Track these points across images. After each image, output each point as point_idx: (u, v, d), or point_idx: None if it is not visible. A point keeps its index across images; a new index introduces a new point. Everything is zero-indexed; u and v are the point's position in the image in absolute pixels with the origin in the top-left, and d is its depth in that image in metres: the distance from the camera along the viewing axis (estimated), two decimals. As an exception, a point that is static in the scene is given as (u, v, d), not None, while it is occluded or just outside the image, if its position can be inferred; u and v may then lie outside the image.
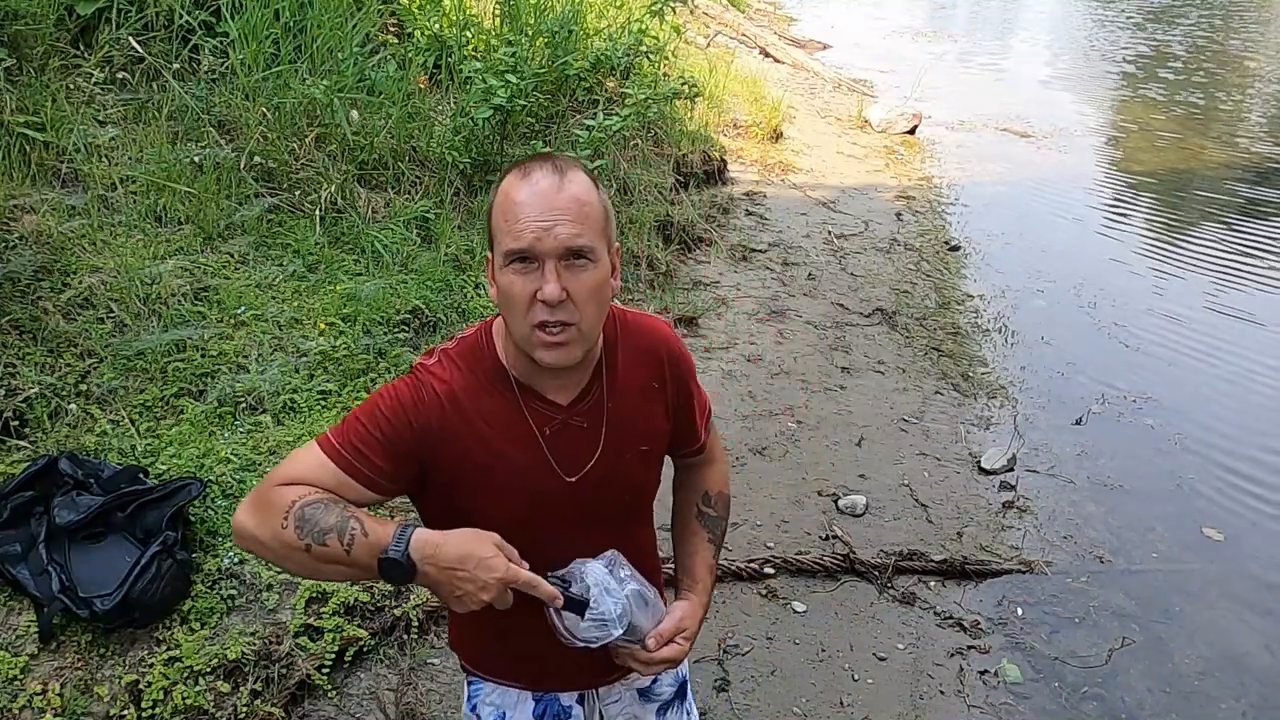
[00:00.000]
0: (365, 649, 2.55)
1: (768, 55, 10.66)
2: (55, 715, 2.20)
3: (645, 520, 1.49)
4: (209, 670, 2.34)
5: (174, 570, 2.43)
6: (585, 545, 1.33)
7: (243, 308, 3.47)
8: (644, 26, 5.93)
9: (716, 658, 2.80)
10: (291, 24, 4.47)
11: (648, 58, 6.01)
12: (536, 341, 1.22)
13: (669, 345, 1.42)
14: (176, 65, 4.19)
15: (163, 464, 2.82)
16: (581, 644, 1.25)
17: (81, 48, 4.08)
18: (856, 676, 2.81)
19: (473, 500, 1.29)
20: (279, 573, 2.61)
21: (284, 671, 2.41)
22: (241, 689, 2.34)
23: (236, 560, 2.62)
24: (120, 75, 4.08)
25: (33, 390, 2.88)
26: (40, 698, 2.21)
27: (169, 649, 2.37)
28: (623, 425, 1.35)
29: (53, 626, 2.34)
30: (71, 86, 3.91)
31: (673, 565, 1.52)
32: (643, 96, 5.31)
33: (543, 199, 1.19)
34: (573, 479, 1.32)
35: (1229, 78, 12.19)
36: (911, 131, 8.69)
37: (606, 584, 1.24)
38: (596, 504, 1.35)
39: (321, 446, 1.26)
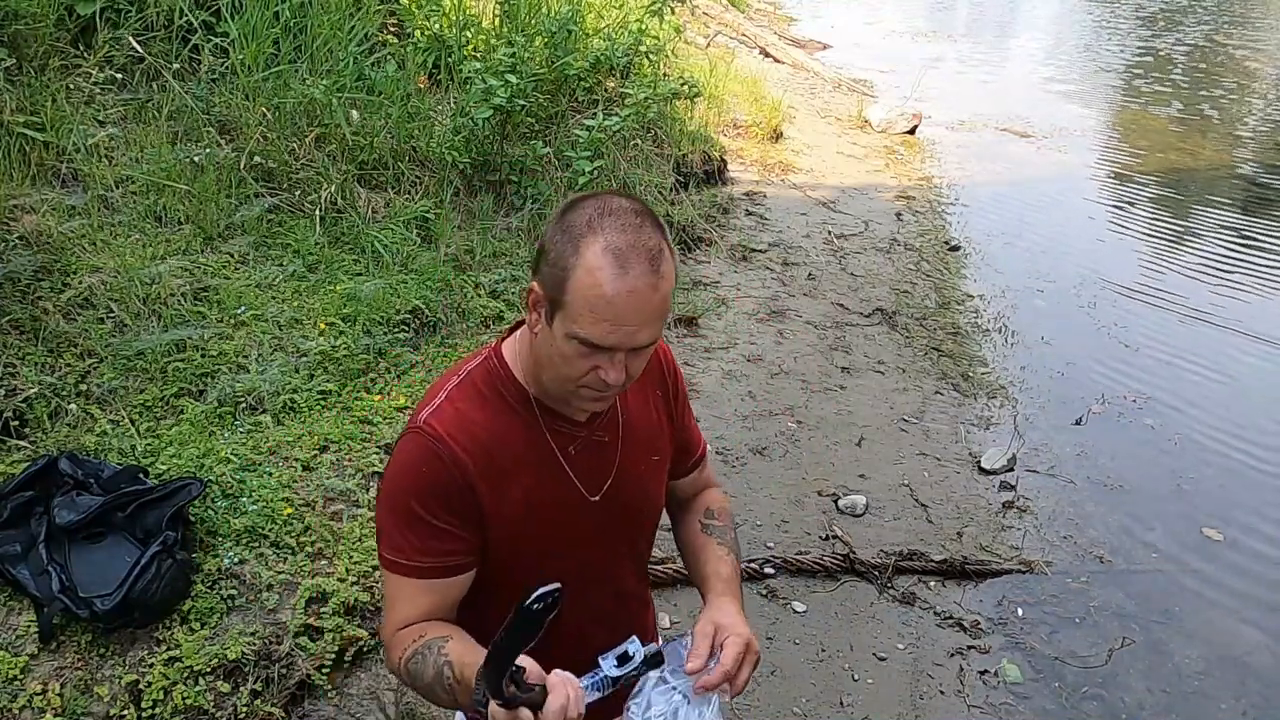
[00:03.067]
0: (365, 649, 2.55)
1: (768, 55, 10.66)
2: (55, 715, 2.19)
3: (651, 542, 1.48)
4: (209, 670, 2.33)
5: (174, 570, 2.43)
6: (604, 567, 1.32)
7: (243, 308, 3.47)
8: (643, 26, 5.93)
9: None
10: (291, 24, 4.47)
11: (647, 58, 6.01)
12: (579, 396, 1.20)
13: (666, 354, 1.43)
14: (176, 65, 4.19)
15: (163, 464, 2.82)
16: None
17: (81, 48, 4.07)
18: (856, 676, 2.81)
19: (507, 531, 1.25)
20: (279, 573, 2.61)
21: (284, 671, 2.41)
22: (241, 689, 2.33)
23: (236, 560, 2.62)
24: (120, 75, 4.08)
25: (33, 390, 2.88)
26: (40, 698, 2.21)
27: (169, 649, 2.37)
28: (636, 436, 1.35)
29: (53, 626, 2.33)
30: (71, 86, 3.90)
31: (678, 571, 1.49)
32: (642, 96, 5.31)
33: (638, 303, 1.11)
34: (595, 497, 1.30)
35: (1229, 79, 12.19)
36: (911, 131, 8.69)
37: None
38: (616, 522, 1.33)
39: (397, 570, 1.22)
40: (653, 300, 1.12)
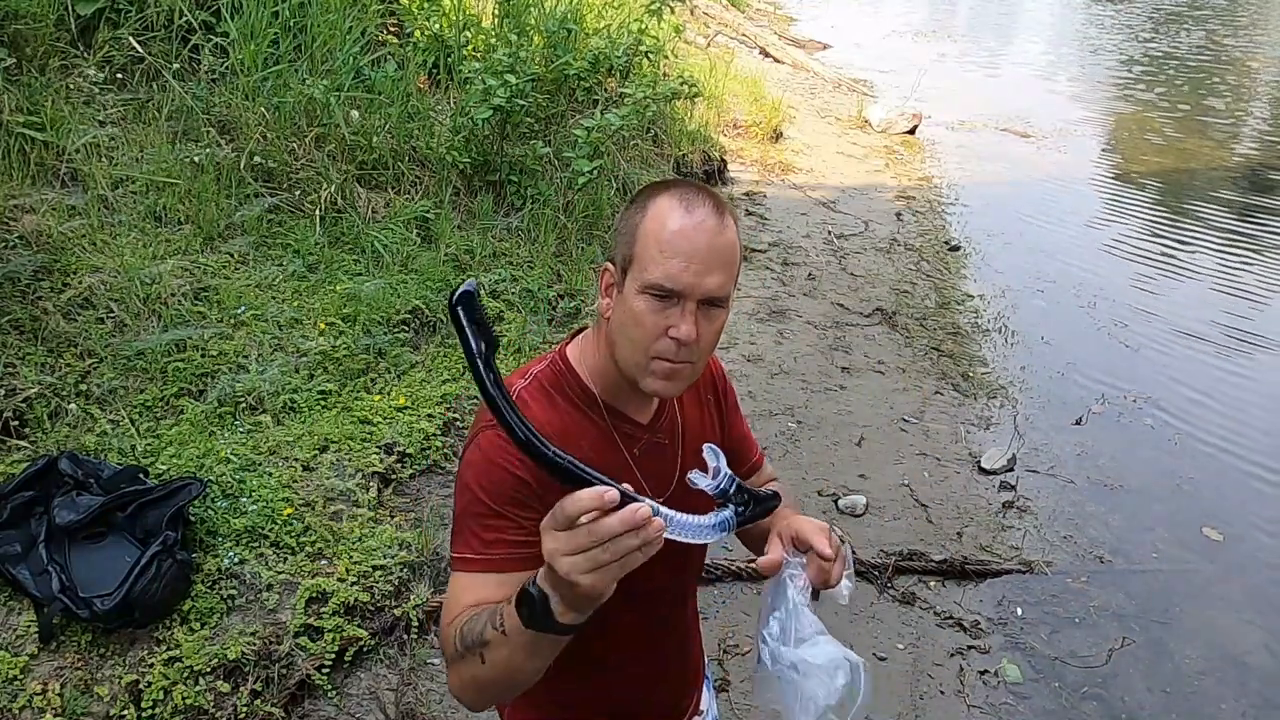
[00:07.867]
0: (365, 649, 2.55)
1: (768, 55, 10.66)
2: (55, 715, 2.19)
3: (705, 549, 1.44)
4: (209, 670, 2.33)
5: (174, 570, 2.43)
6: (662, 575, 1.29)
7: (243, 308, 3.47)
8: (643, 26, 5.93)
9: (716, 657, 2.80)
10: (291, 24, 4.47)
11: (647, 57, 6.01)
12: (653, 370, 1.18)
13: (715, 364, 1.47)
14: (176, 65, 4.19)
15: (163, 464, 2.82)
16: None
17: (81, 48, 4.07)
18: (856, 676, 2.81)
19: None
20: (279, 573, 2.61)
21: (284, 671, 2.41)
22: (241, 689, 2.33)
23: (236, 560, 2.62)
24: (120, 75, 4.08)
25: (33, 390, 2.88)
26: (40, 698, 2.21)
27: (169, 649, 2.37)
28: (692, 439, 1.35)
29: (53, 626, 2.33)
30: (71, 86, 3.90)
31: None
32: (642, 96, 5.31)
33: (705, 240, 1.15)
34: (660, 501, 1.30)
35: (1230, 79, 12.19)
36: (911, 131, 8.69)
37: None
38: None
39: (465, 567, 1.16)
40: (719, 240, 1.16)
